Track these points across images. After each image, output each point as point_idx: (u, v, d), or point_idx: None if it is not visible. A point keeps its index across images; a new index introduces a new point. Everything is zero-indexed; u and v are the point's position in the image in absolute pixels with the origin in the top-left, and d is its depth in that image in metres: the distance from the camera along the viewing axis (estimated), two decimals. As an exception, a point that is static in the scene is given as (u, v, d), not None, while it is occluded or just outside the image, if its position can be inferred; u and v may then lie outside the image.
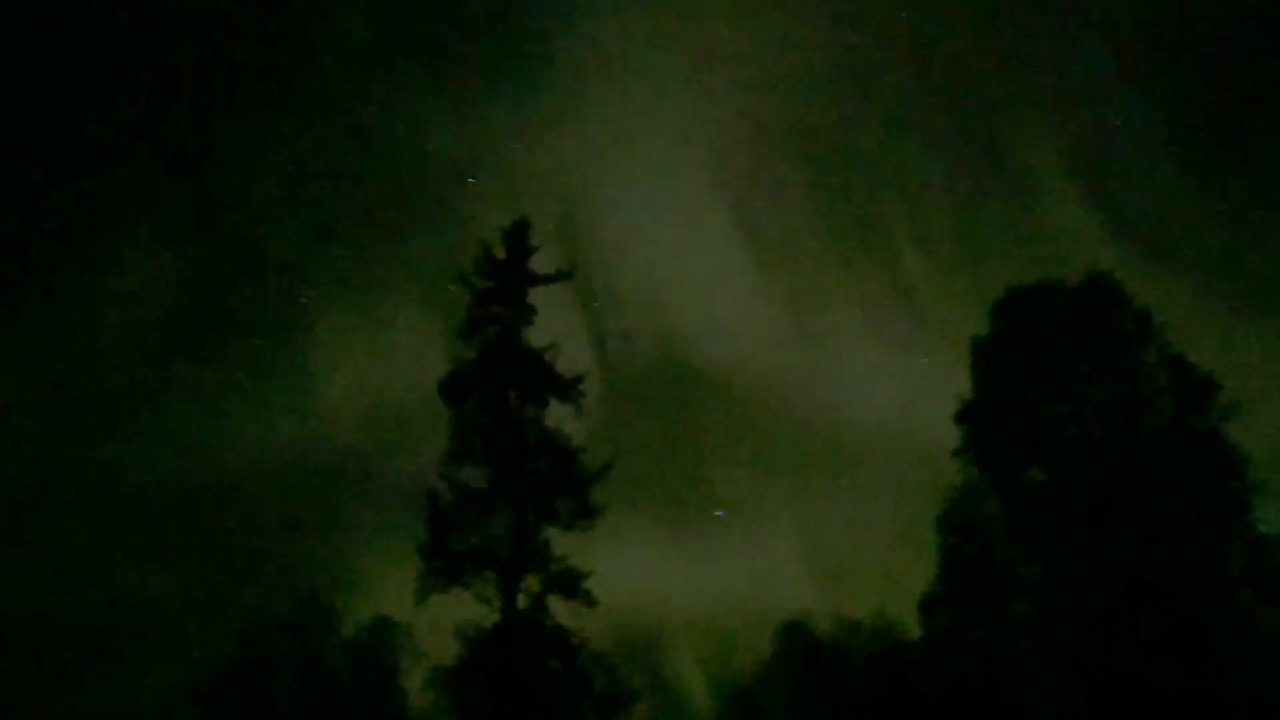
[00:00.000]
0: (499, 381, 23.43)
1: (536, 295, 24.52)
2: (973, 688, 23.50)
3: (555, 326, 24.66)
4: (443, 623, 22.75)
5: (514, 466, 22.70)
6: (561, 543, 22.63)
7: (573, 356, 24.23)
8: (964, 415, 24.77)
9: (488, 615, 22.24)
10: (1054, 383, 23.87)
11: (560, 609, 22.34)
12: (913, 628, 26.50)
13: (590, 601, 22.18)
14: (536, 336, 24.16)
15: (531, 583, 22.18)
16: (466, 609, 22.32)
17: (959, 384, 25.09)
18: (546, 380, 23.66)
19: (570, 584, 22.13)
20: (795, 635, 32.09)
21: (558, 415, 23.73)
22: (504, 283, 24.34)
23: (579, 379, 23.78)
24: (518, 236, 24.90)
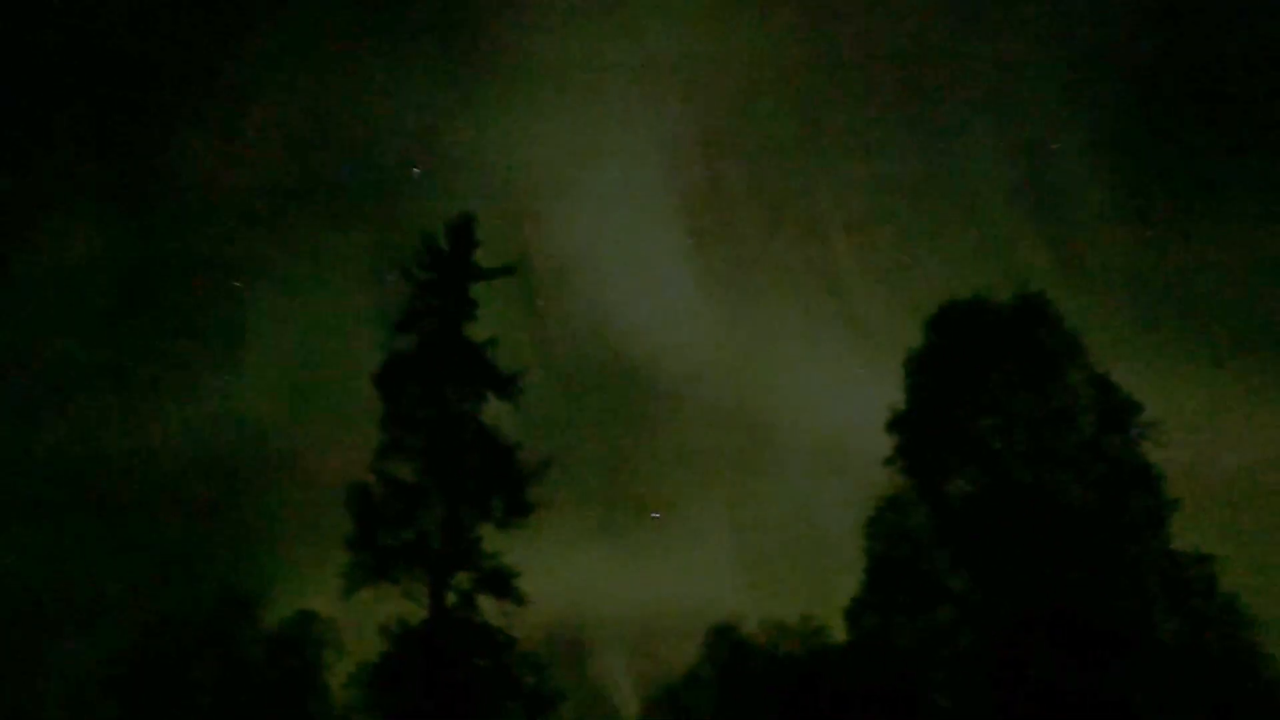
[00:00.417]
0: (436, 375, 23.14)
1: (479, 290, 24.34)
2: (896, 692, 23.95)
3: (497, 322, 24.52)
4: (370, 619, 22.42)
5: (448, 462, 22.43)
6: (494, 540, 22.47)
7: (514, 353, 24.14)
8: (895, 425, 25.22)
9: (416, 612, 21.97)
10: (983, 397, 24.46)
11: (490, 607, 22.17)
12: (840, 632, 26.90)
13: (520, 600, 22.03)
14: (478, 331, 24.01)
15: (462, 580, 21.96)
16: (395, 605, 22.04)
17: (893, 394, 25.55)
18: (485, 375, 23.45)
19: (501, 582, 21.95)
20: (723, 638, 32.37)
21: (497, 412, 23.57)
22: (446, 275, 24.07)
23: (518, 375, 23.64)
24: (462, 230, 24.63)
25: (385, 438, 22.70)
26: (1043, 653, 21.80)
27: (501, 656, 21.82)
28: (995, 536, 23.16)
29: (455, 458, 22.50)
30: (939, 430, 24.64)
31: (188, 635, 30.51)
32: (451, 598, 21.92)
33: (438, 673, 21.54)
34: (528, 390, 23.68)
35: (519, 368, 23.68)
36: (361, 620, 22.92)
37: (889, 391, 25.59)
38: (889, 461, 25.17)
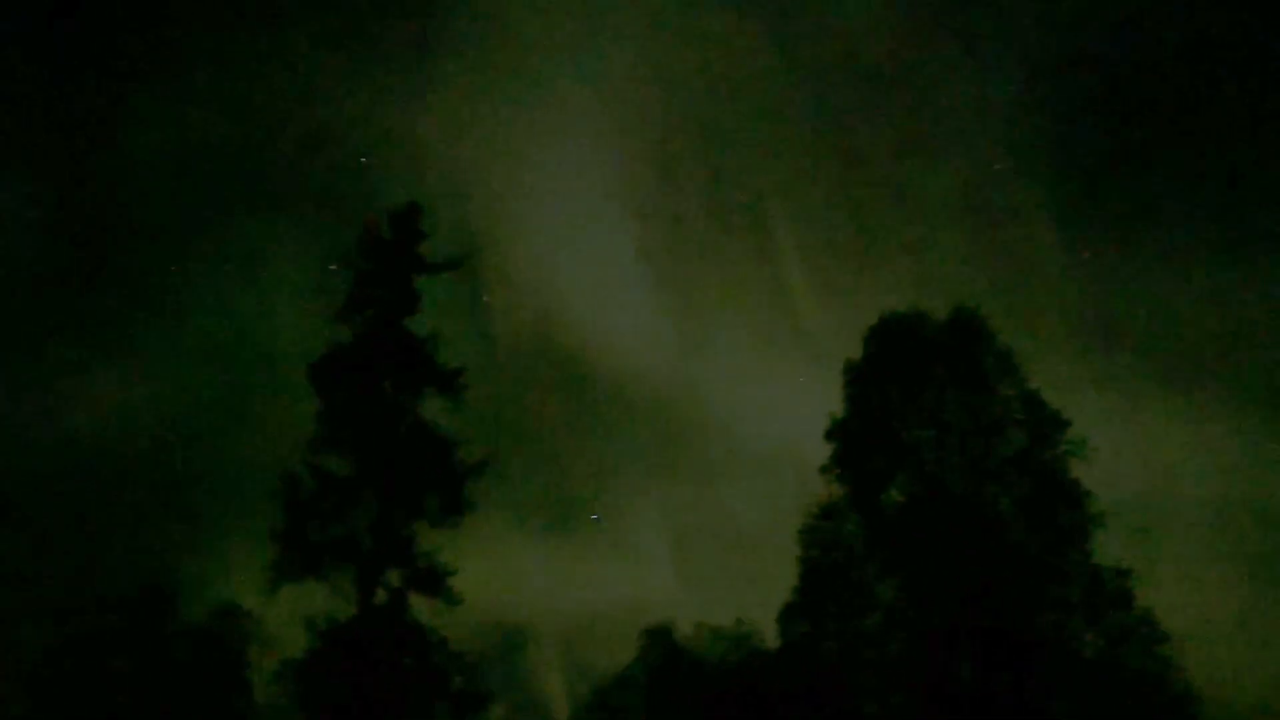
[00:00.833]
0: (374, 367, 22.76)
1: (424, 283, 24.00)
2: (823, 698, 24.23)
3: (441, 317, 24.21)
4: (298, 614, 21.94)
5: (382, 457, 22.07)
6: (429, 538, 22.17)
7: (457, 349, 23.84)
8: (833, 433, 25.59)
9: (345, 609, 21.56)
10: (918, 408, 24.95)
11: (422, 606, 21.87)
12: (773, 637, 27.12)
13: (453, 599, 21.75)
14: (421, 325, 23.68)
15: (392, 577, 21.62)
16: (323, 601, 21.61)
17: (834, 404, 25.93)
18: (425, 370, 23.13)
19: (433, 581, 21.64)
20: (657, 641, 32.44)
21: (437, 408, 23.26)
22: (388, 266, 23.68)
23: (460, 372, 23.35)
24: (408, 220, 24.26)
25: (319, 430, 22.26)
26: (967, 661, 22.28)
27: (430, 656, 21.52)
28: (925, 546, 23.60)
29: (389, 453, 22.15)
30: (875, 440, 25.06)
31: (106, 626, 29.60)
32: (381, 595, 21.58)
33: (365, 671, 21.17)
34: (470, 387, 23.44)
35: (461, 364, 23.42)
36: (289, 616, 22.45)
37: (831, 401, 26.02)
38: (826, 469, 25.54)
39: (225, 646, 30.19)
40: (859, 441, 25.19)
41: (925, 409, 24.84)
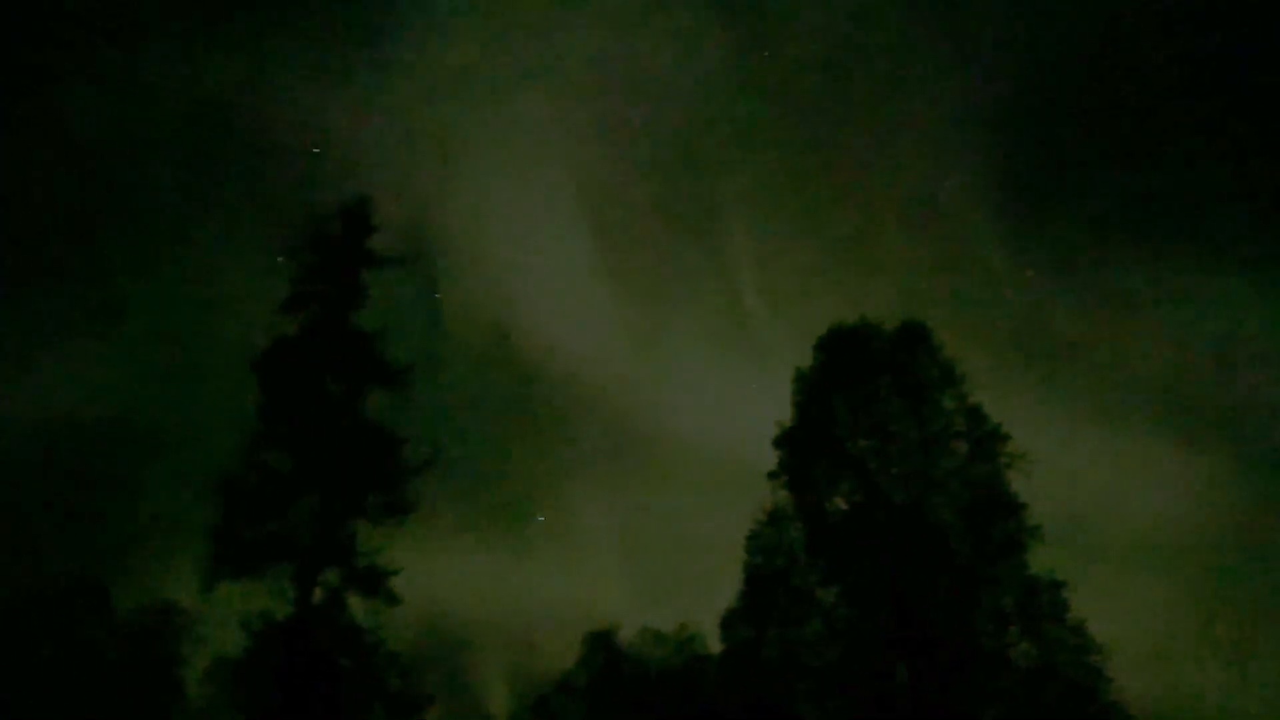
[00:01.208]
0: (317, 363, 22.39)
1: (375, 278, 23.69)
2: (763, 703, 24.36)
3: (390, 314, 23.90)
4: (234, 612, 21.47)
5: (323, 454, 21.71)
6: (371, 537, 21.85)
7: (407, 346, 23.56)
8: (781, 440, 25.79)
9: (282, 607, 21.16)
10: (864, 418, 25.28)
11: (360, 606, 21.54)
12: (715, 642, 27.20)
13: (392, 599, 21.48)
14: (369, 320, 23.36)
15: (331, 577, 21.28)
16: (261, 600, 21.17)
17: (784, 412, 26.14)
18: (371, 366, 22.82)
19: (373, 580, 21.35)
20: (600, 645, 32.37)
21: (382, 405, 22.94)
22: (335, 260, 23.34)
23: (410, 368, 23.08)
24: (357, 214, 23.95)
25: (260, 425, 21.83)
26: (901, 668, 22.58)
27: (368, 657, 21.22)
28: (867, 554, 23.88)
29: (331, 450, 21.79)
30: (821, 448, 25.32)
31: (33, 618, 28.71)
32: (319, 594, 21.22)
33: (301, 672, 20.79)
34: (418, 384, 23.18)
35: (409, 361, 23.16)
36: (225, 614, 21.96)
37: (780, 409, 26.22)
38: (773, 476, 25.72)
39: (158, 643, 29.45)
40: (805, 449, 25.42)
41: (871, 419, 25.18)
